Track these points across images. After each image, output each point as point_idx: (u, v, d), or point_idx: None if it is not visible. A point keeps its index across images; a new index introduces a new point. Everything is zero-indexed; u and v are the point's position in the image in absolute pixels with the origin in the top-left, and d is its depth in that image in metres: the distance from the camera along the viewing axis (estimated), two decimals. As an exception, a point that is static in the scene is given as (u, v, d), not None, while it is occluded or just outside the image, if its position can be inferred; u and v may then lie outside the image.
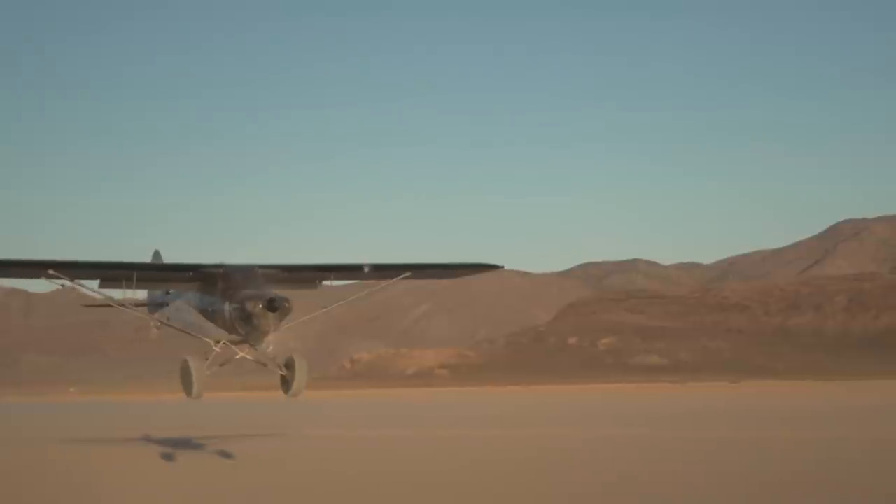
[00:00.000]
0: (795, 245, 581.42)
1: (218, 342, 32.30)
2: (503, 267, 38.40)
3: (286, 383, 32.79)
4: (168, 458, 40.98)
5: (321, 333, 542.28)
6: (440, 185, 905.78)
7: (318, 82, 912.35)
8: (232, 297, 30.99)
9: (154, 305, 37.65)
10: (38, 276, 31.59)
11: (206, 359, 32.21)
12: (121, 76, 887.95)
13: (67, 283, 32.09)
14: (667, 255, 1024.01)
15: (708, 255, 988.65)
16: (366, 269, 34.56)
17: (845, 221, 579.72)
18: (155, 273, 34.24)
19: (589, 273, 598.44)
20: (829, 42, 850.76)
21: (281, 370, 32.65)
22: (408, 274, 35.80)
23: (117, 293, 33.55)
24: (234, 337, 31.76)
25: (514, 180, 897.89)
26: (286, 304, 29.71)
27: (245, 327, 30.66)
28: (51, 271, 30.95)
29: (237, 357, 32.54)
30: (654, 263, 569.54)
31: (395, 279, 36.07)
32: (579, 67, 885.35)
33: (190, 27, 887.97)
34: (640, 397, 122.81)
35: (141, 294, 38.12)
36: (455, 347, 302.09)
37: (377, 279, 36.22)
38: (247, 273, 31.91)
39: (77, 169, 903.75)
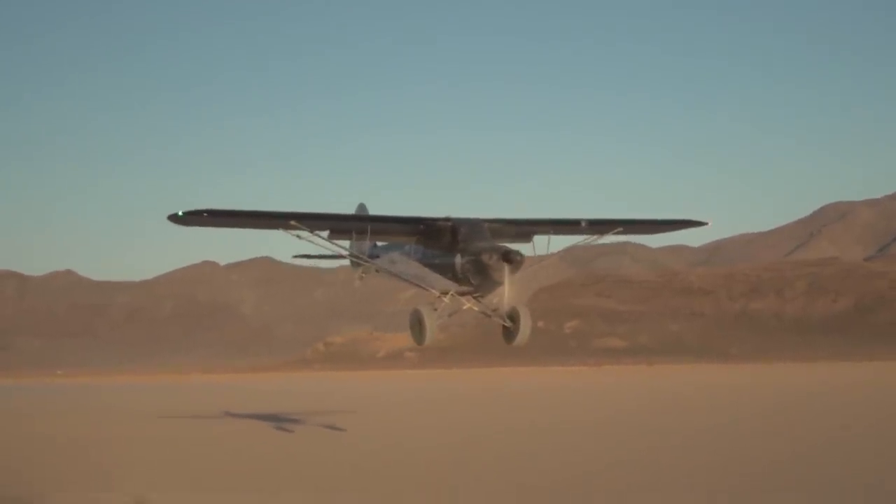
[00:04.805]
0: (781, 228, 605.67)
1: (446, 293, 34.23)
2: (707, 223, 40.00)
3: (509, 334, 35.03)
4: (284, 430, 48.78)
5: (314, 315, 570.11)
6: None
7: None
8: (464, 249, 32.88)
9: (360, 257, 38.83)
10: (280, 227, 34.11)
11: (436, 309, 34.31)
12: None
13: (305, 233, 34.34)
14: (655, 237, 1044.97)
15: (696, 237, 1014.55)
16: (583, 224, 36.52)
17: (831, 205, 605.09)
18: (385, 225, 35.85)
19: (576, 256, 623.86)
20: (817, 25, 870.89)
21: (504, 321, 34.82)
22: (620, 229, 37.94)
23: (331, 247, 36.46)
24: (462, 288, 33.71)
25: (502, 162, 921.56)
26: (519, 258, 31.72)
27: (478, 279, 32.68)
28: (292, 222, 33.61)
29: (464, 308, 35.06)
30: (642, 247, 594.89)
31: (607, 234, 37.66)
32: (570, 53, 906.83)
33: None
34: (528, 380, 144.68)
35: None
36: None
37: (591, 234, 37.65)
38: (475, 226, 33.71)
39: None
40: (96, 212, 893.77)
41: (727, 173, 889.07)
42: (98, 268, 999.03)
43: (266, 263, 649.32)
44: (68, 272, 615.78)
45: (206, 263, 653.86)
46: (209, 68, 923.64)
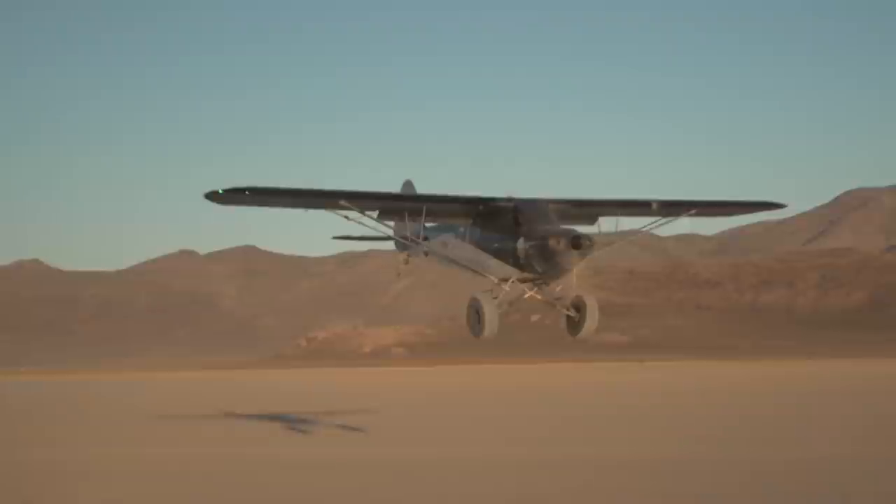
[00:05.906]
0: (800, 216, 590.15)
1: (506, 280, 32.55)
2: (786, 206, 38.46)
3: (574, 325, 33.64)
4: (301, 431, 49.03)
5: (300, 309, 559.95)
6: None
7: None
8: (528, 233, 31.29)
9: (411, 239, 36.14)
10: (330, 207, 32.80)
11: (495, 297, 32.59)
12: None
13: (355, 212, 33.12)
14: (666, 227, 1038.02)
15: (709, 226, 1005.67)
16: (654, 206, 35.04)
17: (853, 191, 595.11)
18: (441, 206, 34.10)
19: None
20: (835, 9, 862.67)
21: (569, 311, 33.42)
22: (693, 211, 36.08)
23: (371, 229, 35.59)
24: (524, 275, 32.02)
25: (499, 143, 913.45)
26: (589, 243, 30.33)
27: (544, 265, 31.03)
28: (342, 202, 32.31)
29: (525, 296, 33.33)
30: (650, 235, 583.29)
31: (680, 216, 36.14)
32: (578, 21, 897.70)
33: None
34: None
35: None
36: (414, 325, 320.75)
37: (662, 216, 35.90)
38: (540, 208, 32.23)
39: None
40: (65, 197, 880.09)
41: (744, 159, 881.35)
42: (67, 257, 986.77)
43: (249, 253, 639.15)
44: (35, 262, 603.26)
45: (183, 253, 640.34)
46: (200, 43, 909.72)
